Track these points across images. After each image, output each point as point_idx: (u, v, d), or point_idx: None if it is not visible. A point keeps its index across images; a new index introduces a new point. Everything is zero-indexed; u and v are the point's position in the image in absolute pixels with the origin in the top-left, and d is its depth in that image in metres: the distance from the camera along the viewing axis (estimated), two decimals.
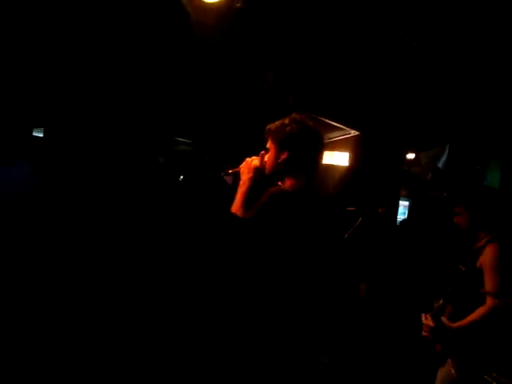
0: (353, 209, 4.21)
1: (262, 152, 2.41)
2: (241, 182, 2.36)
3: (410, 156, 8.23)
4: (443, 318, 3.01)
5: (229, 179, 2.61)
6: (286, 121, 2.30)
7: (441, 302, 3.04)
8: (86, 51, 0.77)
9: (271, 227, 2.01)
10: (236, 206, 2.28)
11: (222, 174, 2.58)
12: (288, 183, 2.24)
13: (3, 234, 0.69)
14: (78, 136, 0.76)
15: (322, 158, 2.37)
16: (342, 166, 5.38)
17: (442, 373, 3.13)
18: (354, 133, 5.05)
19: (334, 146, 5.39)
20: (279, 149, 2.29)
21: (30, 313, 0.65)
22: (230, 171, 2.51)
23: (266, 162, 2.36)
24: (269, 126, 2.36)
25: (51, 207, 0.69)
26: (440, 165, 8.26)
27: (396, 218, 5.46)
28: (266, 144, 2.37)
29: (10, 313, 0.64)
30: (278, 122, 2.33)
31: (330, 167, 5.19)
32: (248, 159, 2.43)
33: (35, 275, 0.65)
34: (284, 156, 2.26)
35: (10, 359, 0.65)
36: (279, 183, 2.28)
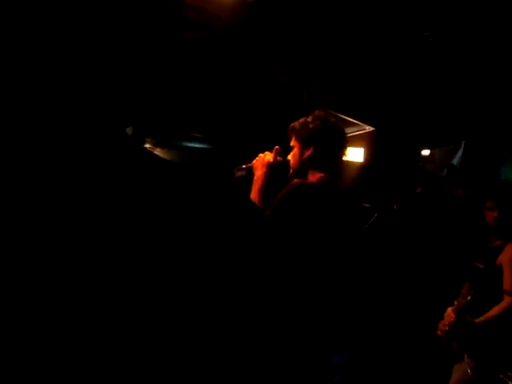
0: (368, 205, 4.18)
1: (277, 147, 2.41)
2: (255, 178, 2.36)
3: (425, 152, 8.16)
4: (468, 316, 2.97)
5: (242, 174, 2.59)
6: (310, 118, 2.33)
7: (468, 298, 3.00)
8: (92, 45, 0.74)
9: (292, 218, 2.01)
10: None
11: (236, 169, 2.57)
12: (312, 178, 2.25)
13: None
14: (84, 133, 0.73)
15: (344, 154, 2.38)
16: (357, 162, 5.34)
17: (457, 371, 3.10)
18: (369, 129, 5.00)
19: (349, 141, 5.33)
20: (304, 145, 2.31)
21: (29, 311, 0.63)
22: (244, 166, 2.50)
23: (290, 159, 2.39)
24: (292, 124, 2.40)
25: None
26: (455, 162, 8.19)
27: (413, 214, 5.40)
28: (289, 142, 2.39)
29: (9, 312, 0.62)
30: (301, 120, 2.37)
31: (344, 163, 5.13)
32: (261, 155, 2.43)
33: (32, 274, 0.63)
34: (309, 152, 2.28)
35: (9, 359, 0.63)
36: (295, 180, 2.28)
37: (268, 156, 2.41)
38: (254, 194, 2.30)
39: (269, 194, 2.27)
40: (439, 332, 3.06)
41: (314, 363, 1.93)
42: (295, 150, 2.35)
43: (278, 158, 2.40)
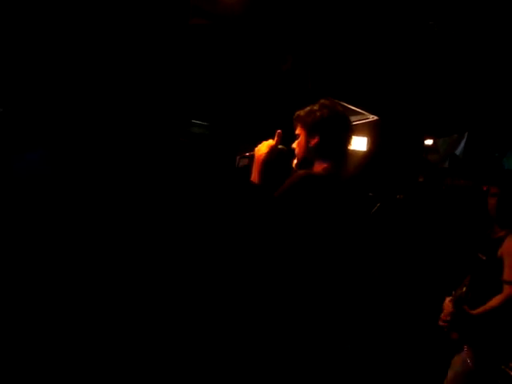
0: (371, 194, 4.18)
1: (279, 131, 2.39)
2: (255, 159, 2.35)
3: (428, 142, 8.13)
4: (465, 306, 2.98)
5: (245, 163, 2.57)
6: (316, 106, 2.30)
7: (464, 289, 3.01)
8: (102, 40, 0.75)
9: (296, 209, 2.00)
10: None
11: (238, 156, 2.55)
12: (318, 168, 2.24)
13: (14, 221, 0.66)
14: (92, 121, 0.74)
15: (350, 143, 2.36)
16: (360, 151, 5.33)
17: (456, 361, 3.11)
18: (372, 118, 4.99)
19: (353, 130, 5.32)
20: (310, 134, 2.29)
21: (32, 309, 0.63)
22: (247, 154, 2.49)
23: (295, 148, 2.36)
24: (297, 113, 2.37)
25: (66, 193, 0.67)
26: (458, 152, 8.16)
27: (416, 204, 5.42)
28: (294, 131, 2.37)
29: (11, 309, 0.62)
30: (306, 108, 2.33)
31: (349, 152, 5.12)
32: (264, 142, 2.41)
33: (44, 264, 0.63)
34: (315, 141, 2.26)
35: (9, 359, 0.63)
36: (301, 170, 2.26)
37: (270, 140, 2.39)
38: (254, 175, 2.28)
39: (269, 178, 2.26)
40: (441, 322, 3.07)
41: (319, 351, 1.94)
42: (301, 139, 2.33)
43: (280, 146, 2.39)
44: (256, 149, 2.39)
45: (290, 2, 4.14)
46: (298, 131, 2.36)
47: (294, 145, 2.37)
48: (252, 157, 2.43)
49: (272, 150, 2.33)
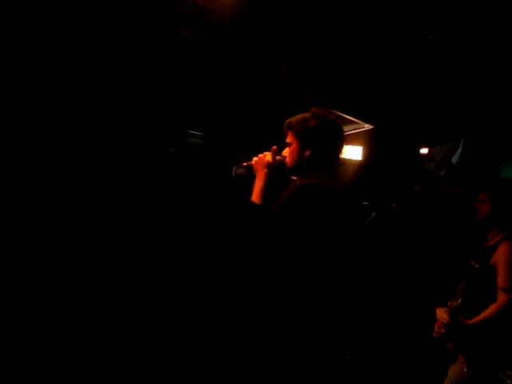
0: (366, 203, 4.18)
1: (274, 147, 2.38)
2: (256, 178, 2.34)
3: (423, 151, 8.15)
4: (461, 317, 2.98)
5: (241, 172, 2.57)
6: (308, 115, 2.29)
7: (459, 301, 3.02)
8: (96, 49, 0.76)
9: (297, 218, 2.00)
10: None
11: (235, 166, 2.55)
12: (313, 177, 2.23)
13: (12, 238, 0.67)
14: (85, 136, 0.74)
15: (342, 151, 2.36)
16: (356, 161, 5.34)
17: (452, 370, 3.12)
18: (367, 127, 5.00)
19: (348, 139, 5.35)
20: (303, 144, 2.28)
21: (32, 311, 0.64)
22: (244, 164, 2.49)
23: (287, 156, 2.36)
24: (289, 121, 2.35)
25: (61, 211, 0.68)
26: (454, 160, 8.17)
27: (412, 213, 5.42)
28: (285, 138, 2.36)
29: (11, 311, 0.62)
30: (298, 117, 2.33)
31: (343, 161, 5.14)
32: (260, 155, 2.41)
33: (41, 273, 0.64)
34: (309, 151, 2.25)
35: (10, 358, 0.64)
36: (299, 180, 2.26)
37: (268, 156, 2.38)
38: (256, 195, 2.27)
39: (270, 194, 2.25)
40: (435, 334, 3.08)
41: (318, 362, 1.94)
42: (293, 147, 2.32)
43: (277, 157, 2.39)
44: (254, 165, 2.39)
45: (284, 12, 4.17)
46: (289, 139, 2.35)
47: (285, 153, 2.37)
48: (249, 167, 2.44)
49: (270, 169, 2.32)
